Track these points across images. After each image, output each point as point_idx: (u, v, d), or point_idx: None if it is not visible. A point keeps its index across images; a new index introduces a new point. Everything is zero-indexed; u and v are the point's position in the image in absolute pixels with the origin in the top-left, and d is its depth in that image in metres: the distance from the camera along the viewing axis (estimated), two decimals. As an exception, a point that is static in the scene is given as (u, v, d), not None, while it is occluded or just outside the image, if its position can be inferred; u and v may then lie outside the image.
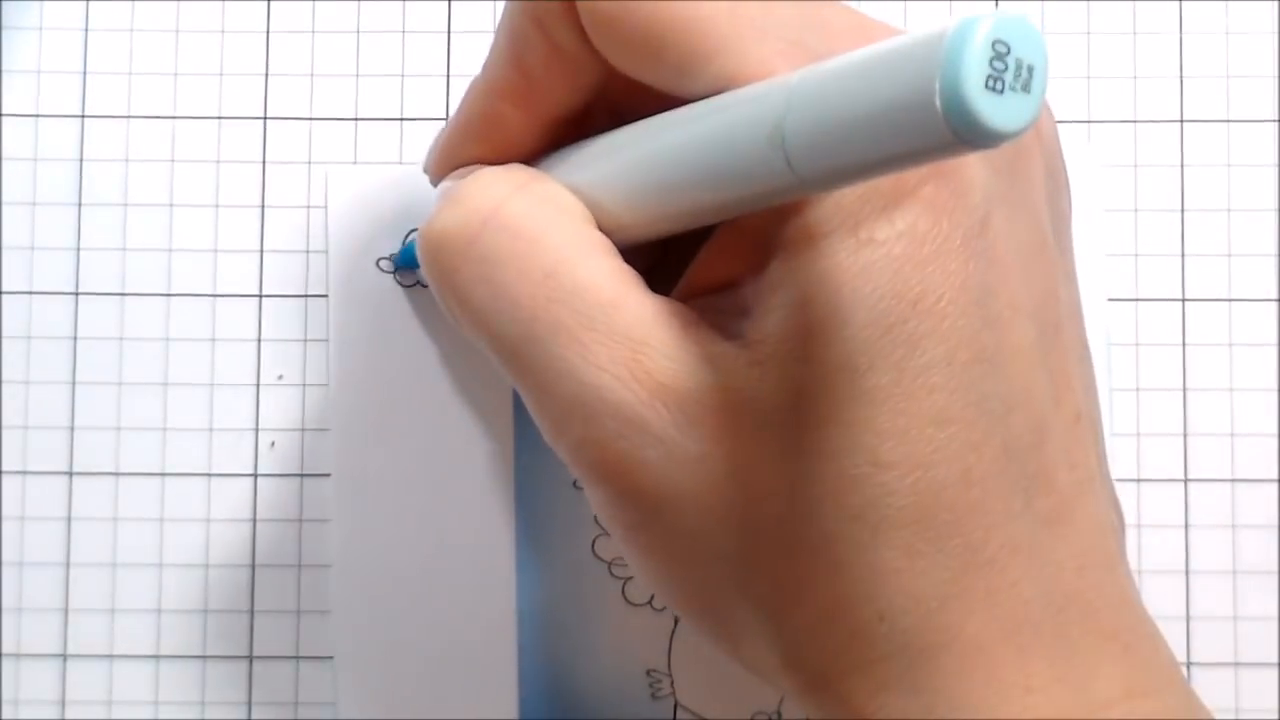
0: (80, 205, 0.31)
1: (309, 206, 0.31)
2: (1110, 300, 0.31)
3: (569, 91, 0.23)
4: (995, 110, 0.15)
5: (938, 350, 0.20)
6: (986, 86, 0.15)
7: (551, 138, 0.24)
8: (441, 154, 0.25)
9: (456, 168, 0.25)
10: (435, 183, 0.26)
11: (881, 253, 0.20)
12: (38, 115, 0.31)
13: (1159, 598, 0.30)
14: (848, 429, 0.20)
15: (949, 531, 0.20)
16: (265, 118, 0.31)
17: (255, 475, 0.31)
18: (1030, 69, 0.15)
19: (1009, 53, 0.15)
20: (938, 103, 0.15)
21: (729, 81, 0.20)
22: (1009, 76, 0.15)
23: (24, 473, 0.31)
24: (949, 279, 0.20)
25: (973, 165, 0.20)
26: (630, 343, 0.21)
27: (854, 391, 0.20)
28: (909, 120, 0.16)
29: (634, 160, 0.21)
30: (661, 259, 0.24)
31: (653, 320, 0.21)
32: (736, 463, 0.20)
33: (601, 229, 0.22)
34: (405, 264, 0.30)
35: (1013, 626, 0.20)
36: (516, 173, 0.23)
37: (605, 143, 0.22)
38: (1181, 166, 0.31)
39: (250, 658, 0.30)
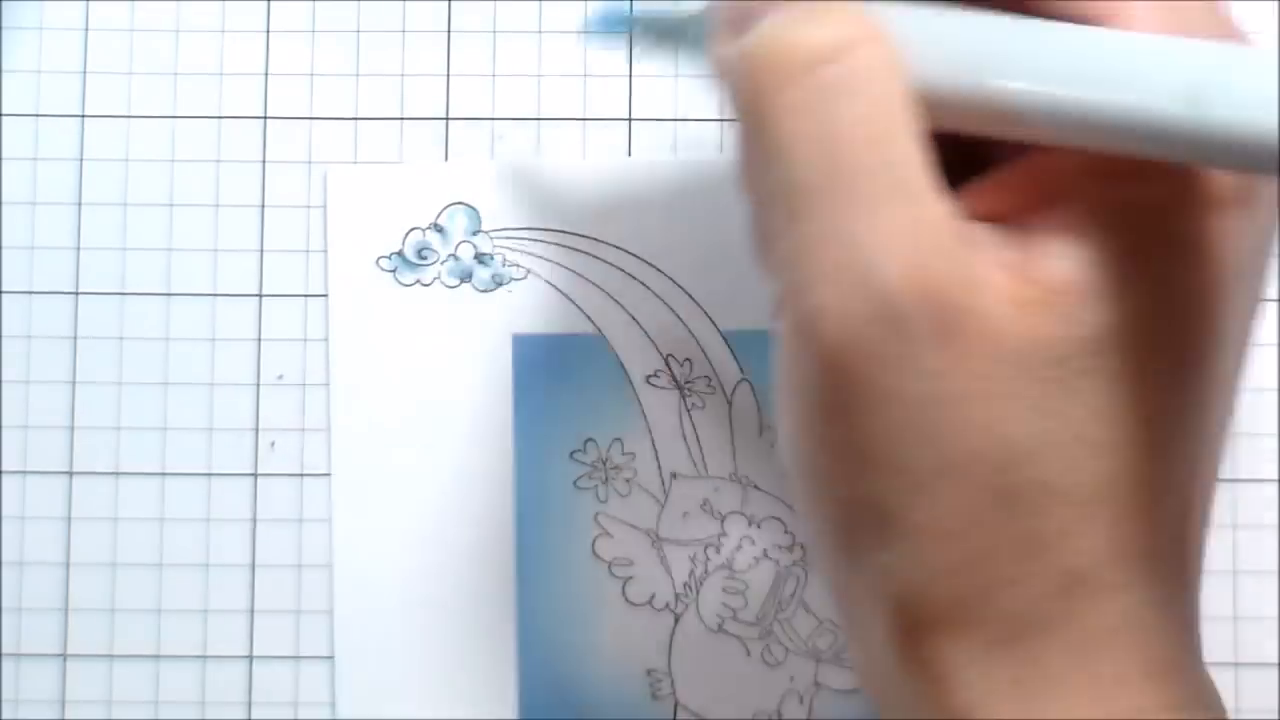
0: (80, 205, 0.31)
1: (309, 206, 0.31)
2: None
3: None
4: None
5: (1209, 361, 0.20)
6: None
7: None
8: None
9: None
10: (720, 19, 0.22)
11: (1231, 244, 0.20)
12: (38, 115, 0.31)
13: (1159, 598, 0.30)
14: (1077, 398, 0.20)
15: (1126, 515, 0.20)
16: (265, 117, 0.31)
17: (255, 475, 0.31)
18: None
19: None
20: None
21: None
22: None
23: (24, 473, 0.31)
24: (1247, 300, 0.21)
25: None
26: (918, 237, 0.20)
27: (1123, 369, 0.20)
28: None
29: (1023, 65, 0.20)
30: None
31: (946, 225, 0.20)
32: (957, 391, 0.20)
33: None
34: (605, 27, 0.28)
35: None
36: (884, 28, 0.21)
37: (990, 25, 0.21)
38: (1181, 166, 0.31)
39: (250, 658, 0.30)
